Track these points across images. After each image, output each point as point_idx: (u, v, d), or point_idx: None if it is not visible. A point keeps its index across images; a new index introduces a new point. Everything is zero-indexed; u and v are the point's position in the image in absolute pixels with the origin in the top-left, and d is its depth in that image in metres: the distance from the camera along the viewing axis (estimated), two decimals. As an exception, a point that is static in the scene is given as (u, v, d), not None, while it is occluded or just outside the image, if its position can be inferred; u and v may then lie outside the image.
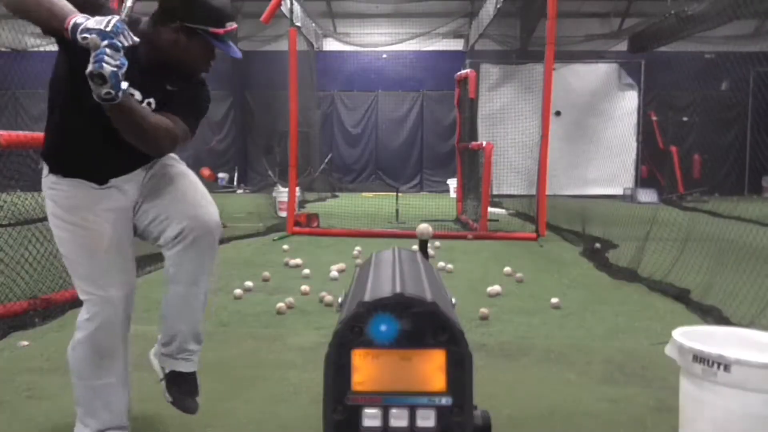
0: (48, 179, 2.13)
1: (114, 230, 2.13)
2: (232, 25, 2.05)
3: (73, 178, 2.10)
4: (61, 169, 2.10)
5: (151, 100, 2.10)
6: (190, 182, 2.26)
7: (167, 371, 2.30)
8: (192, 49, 2.03)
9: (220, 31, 2.02)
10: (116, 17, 1.78)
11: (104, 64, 1.72)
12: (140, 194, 2.20)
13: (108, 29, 1.73)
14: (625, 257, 5.68)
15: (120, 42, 1.75)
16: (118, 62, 1.74)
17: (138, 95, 2.05)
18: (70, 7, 1.81)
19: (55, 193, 2.11)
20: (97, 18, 1.77)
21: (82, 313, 2.07)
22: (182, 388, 2.30)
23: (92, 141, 2.08)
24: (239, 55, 2.12)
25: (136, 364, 2.35)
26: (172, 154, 2.28)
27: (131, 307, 2.16)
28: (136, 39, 1.83)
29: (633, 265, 5.41)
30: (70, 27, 1.75)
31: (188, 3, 1.99)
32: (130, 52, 1.85)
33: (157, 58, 2.05)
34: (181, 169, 2.28)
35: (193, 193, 2.22)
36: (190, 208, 2.17)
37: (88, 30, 1.73)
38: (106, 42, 1.73)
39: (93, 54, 1.73)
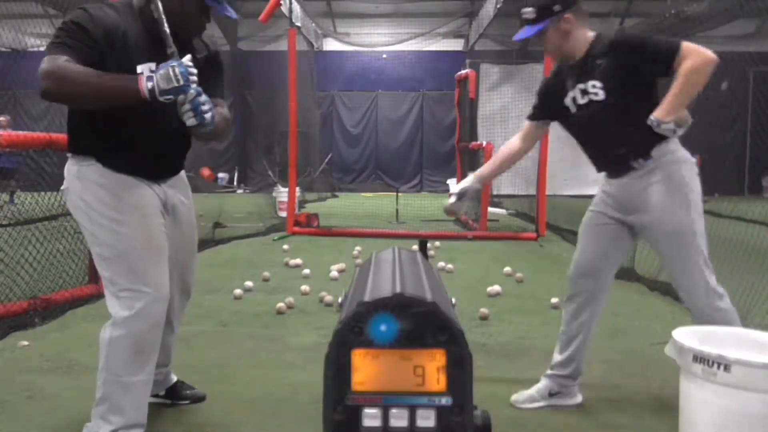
0: (93, 170, 2.08)
1: (162, 228, 2.18)
2: None
3: (128, 176, 2.10)
4: (118, 164, 2.09)
5: None
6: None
7: (162, 393, 2.54)
8: (186, 6, 2.07)
9: None
10: (175, 63, 1.86)
11: (204, 116, 1.89)
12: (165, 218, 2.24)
13: (181, 83, 1.84)
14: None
15: (193, 81, 1.88)
16: (209, 106, 1.91)
17: None
18: (113, 75, 1.87)
19: (107, 185, 2.07)
20: (162, 73, 1.84)
21: (121, 310, 2.05)
22: (183, 388, 2.59)
23: (156, 140, 2.14)
24: (234, 15, 2.19)
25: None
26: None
27: None
28: (194, 70, 1.90)
29: (630, 263, 5.40)
30: (148, 96, 1.84)
31: None
32: (143, 29, 2.01)
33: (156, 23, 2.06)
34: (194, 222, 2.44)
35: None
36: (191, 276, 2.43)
37: (167, 92, 1.84)
38: (191, 94, 1.87)
39: (184, 110, 1.89)
